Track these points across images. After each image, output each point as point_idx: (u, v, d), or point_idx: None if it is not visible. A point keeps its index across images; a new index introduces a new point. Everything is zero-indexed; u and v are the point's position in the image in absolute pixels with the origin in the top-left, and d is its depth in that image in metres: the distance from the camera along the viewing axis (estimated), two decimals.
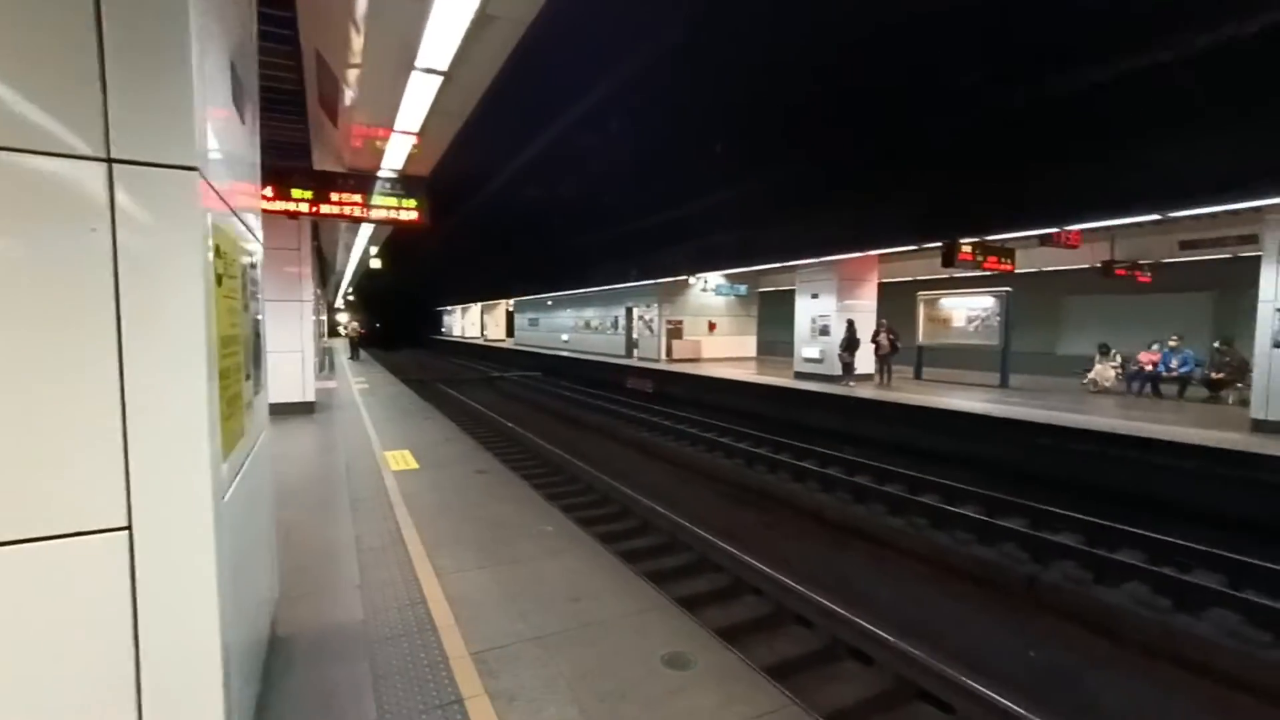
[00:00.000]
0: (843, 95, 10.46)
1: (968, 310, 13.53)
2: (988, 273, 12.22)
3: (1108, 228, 10.96)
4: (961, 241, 10.98)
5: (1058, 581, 5.57)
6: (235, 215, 2.11)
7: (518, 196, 19.49)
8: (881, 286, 15.44)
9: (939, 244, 11.03)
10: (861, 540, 6.79)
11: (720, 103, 12.36)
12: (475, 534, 4.57)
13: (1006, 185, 9.73)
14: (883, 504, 7.79)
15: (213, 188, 1.77)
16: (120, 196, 1.53)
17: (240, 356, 2.09)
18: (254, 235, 2.61)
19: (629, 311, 23.51)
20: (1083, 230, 10.95)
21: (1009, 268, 12.05)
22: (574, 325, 29.00)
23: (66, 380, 1.49)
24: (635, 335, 23.12)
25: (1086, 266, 13.99)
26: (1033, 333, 17.69)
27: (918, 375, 14.78)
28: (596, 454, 10.83)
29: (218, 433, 1.72)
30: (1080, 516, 6.75)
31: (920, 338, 14.75)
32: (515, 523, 4.86)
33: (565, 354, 27.05)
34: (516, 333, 39.85)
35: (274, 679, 2.60)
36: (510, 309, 41.92)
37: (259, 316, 2.63)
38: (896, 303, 16.20)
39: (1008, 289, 12.74)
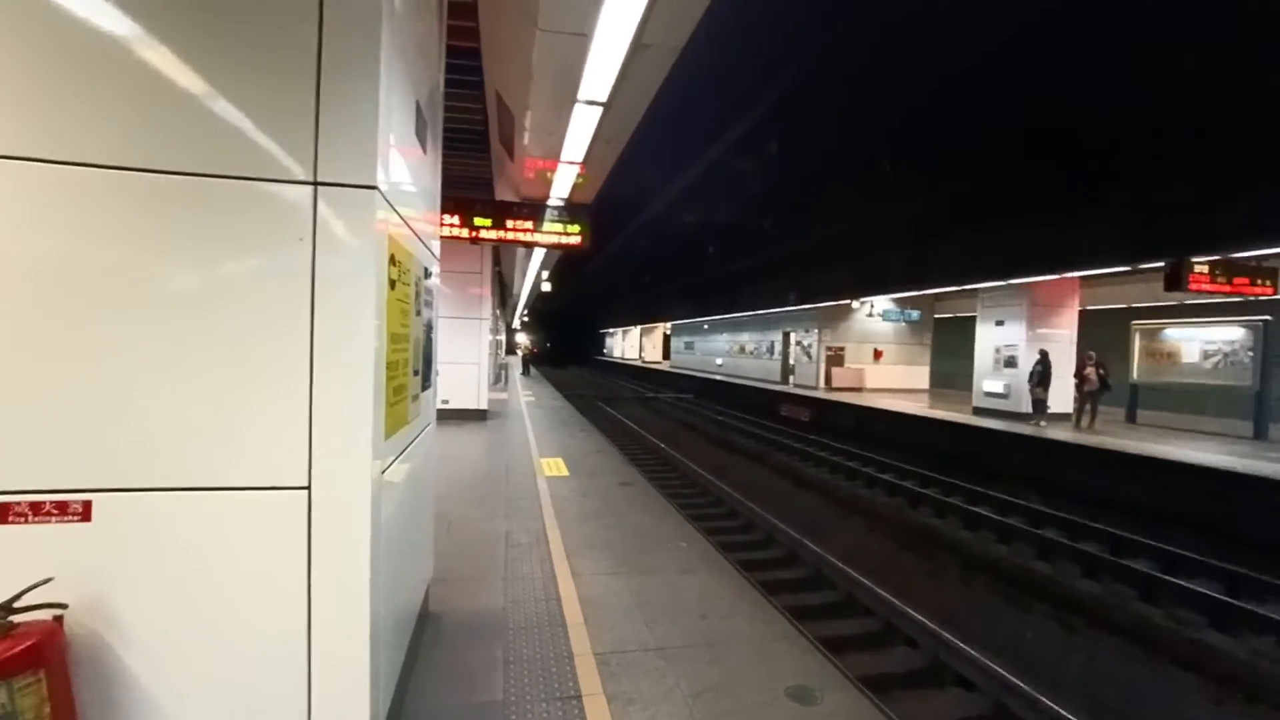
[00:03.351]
0: (1034, 94, 9.33)
1: (1204, 344, 11.12)
2: (1235, 298, 9.98)
3: None
4: (1195, 260, 9.11)
5: None
6: (411, 230, 2.44)
7: (676, 221, 20.08)
8: (1083, 314, 13.34)
9: (1160, 264, 9.25)
10: (1046, 603, 5.83)
11: (890, 115, 11.69)
12: (613, 541, 4.71)
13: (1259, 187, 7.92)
14: (1076, 564, 6.62)
15: (390, 204, 2.07)
16: (321, 212, 1.85)
17: (408, 353, 2.39)
18: (430, 251, 2.98)
19: (785, 336, 22.88)
20: None
21: (1267, 290, 9.73)
22: (728, 349, 28.90)
23: (275, 359, 1.82)
24: (792, 361, 22.40)
25: None
26: None
27: (1130, 418, 12.43)
28: (744, 479, 10.61)
29: (381, 413, 1.98)
30: None
31: (1135, 374, 12.43)
32: (653, 535, 4.92)
33: (719, 378, 27.00)
34: (672, 355, 40.69)
35: (422, 649, 2.89)
36: (667, 332, 43.00)
37: (430, 322, 2.98)
38: (1101, 333, 13.86)
39: (1266, 317, 10.26)
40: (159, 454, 1.75)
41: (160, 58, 1.73)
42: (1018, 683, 4.01)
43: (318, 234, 1.85)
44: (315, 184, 1.85)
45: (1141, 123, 9.20)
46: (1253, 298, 9.91)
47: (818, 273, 18.44)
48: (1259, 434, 10.35)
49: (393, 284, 2.12)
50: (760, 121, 11.57)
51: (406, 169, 2.43)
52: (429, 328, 2.94)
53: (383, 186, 1.95)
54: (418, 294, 2.59)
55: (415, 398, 2.62)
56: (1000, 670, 4.15)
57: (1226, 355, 10.69)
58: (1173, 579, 5.96)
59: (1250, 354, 10.32)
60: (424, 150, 2.82)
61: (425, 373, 2.88)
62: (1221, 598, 5.56)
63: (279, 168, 1.82)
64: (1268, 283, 9.71)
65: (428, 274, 2.90)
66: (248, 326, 1.80)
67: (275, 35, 1.82)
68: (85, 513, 1.69)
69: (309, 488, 1.83)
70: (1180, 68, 8.11)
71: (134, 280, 1.73)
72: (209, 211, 1.78)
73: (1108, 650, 4.98)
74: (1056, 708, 3.74)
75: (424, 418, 2.91)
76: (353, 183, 1.88)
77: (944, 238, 13.71)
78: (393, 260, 2.11)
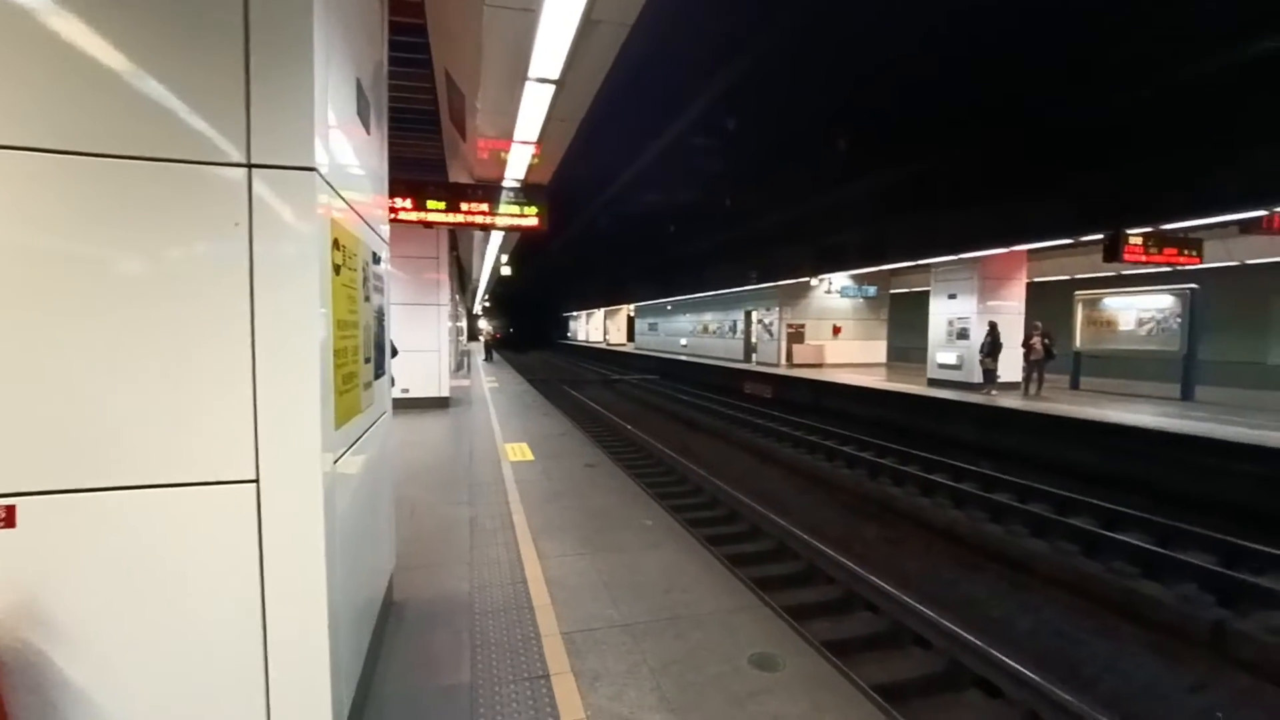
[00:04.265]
0: (980, 74, 9.54)
1: (1139, 311, 11.71)
2: (1165, 268, 10.51)
3: None
4: (1130, 233, 9.54)
5: (1253, 632, 4.64)
6: (356, 213, 2.36)
7: (636, 202, 19.93)
8: (1030, 286, 13.87)
9: (1100, 237, 9.66)
10: (998, 563, 6.12)
11: (845, 93, 11.77)
12: (579, 522, 4.73)
13: (1188, 164, 8.32)
14: (1024, 524, 6.96)
15: (331, 186, 1.99)
16: (256, 195, 1.78)
17: (357, 340, 2.33)
18: (378, 235, 2.90)
19: (747, 315, 23.14)
20: None
21: (1193, 261, 10.28)
22: (692, 329, 29.10)
23: (212, 349, 1.75)
24: (754, 339, 22.70)
25: None
26: (1231, 338, 15.00)
27: (1074, 385, 13.06)
28: (709, 457, 10.76)
29: (330, 402, 1.93)
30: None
31: (1078, 343, 13.03)
32: (618, 514, 4.96)
33: (683, 358, 27.19)
34: (636, 337, 40.74)
35: (386, 637, 2.86)
36: (631, 314, 42.96)
37: (381, 309, 2.91)
38: (1048, 304, 14.47)
39: (1192, 285, 10.86)
40: (90, 453, 1.67)
41: (76, 31, 1.62)
42: (971, 639, 4.21)
43: (254, 218, 1.77)
44: (249, 166, 1.77)
45: (1087, 106, 9.52)
46: (1181, 267, 10.45)
47: (779, 251, 18.63)
48: (1185, 395, 11.00)
49: (337, 269, 2.06)
50: (719, 100, 11.53)
51: (349, 150, 2.35)
52: (380, 314, 2.87)
53: (322, 168, 1.88)
54: (366, 279, 2.52)
55: (368, 385, 2.56)
56: (955, 628, 4.35)
57: (1159, 322, 11.30)
58: (1110, 533, 6.33)
59: (1179, 320, 10.92)
60: (367, 131, 2.72)
61: (378, 360, 2.81)
62: (1152, 548, 5.93)
63: (209, 149, 1.73)
64: (1194, 253, 10.25)
65: (377, 259, 2.82)
66: (183, 316, 1.72)
67: (196, 4, 1.71)
68: (9, 518, 1.60)
69: (257, 481, 1.78)
70: (1122, 55, 8.41)
71: (59, 270, 1.63)
72: (137, 196, 1.69)
73: (1053, 604, 5.27)
74: (1007, 660, 3.95)
75: (378, 406, 2.85)
76: (289, 164, 1.80)
77: (900, 215, 14.01)
78: (336, 244, 2.05)
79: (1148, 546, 5.99)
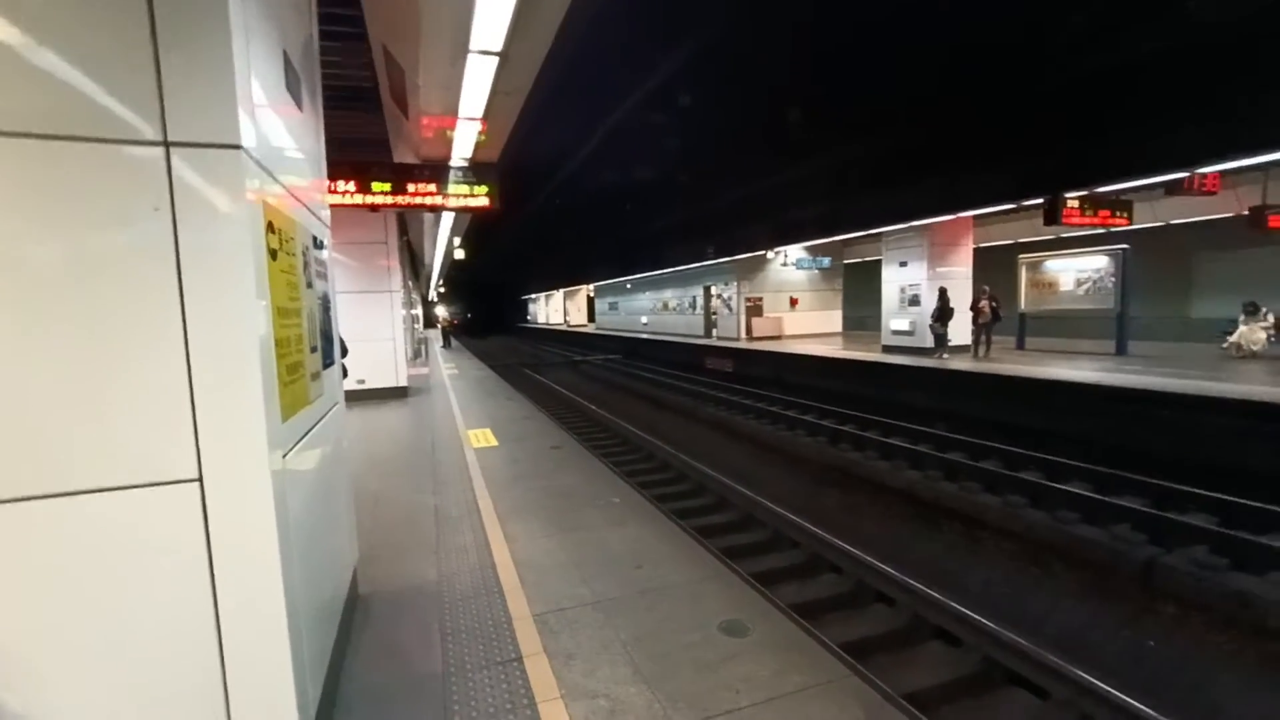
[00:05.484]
0: (922, 46, 9.68)
1: (1077, 272, 12.25)
2: (1099, 230, 10.99)
3: (1260, 167, 9.59)
4: (1067, 196, 9.91)
5: (1181, 566, 4.97)
6: (291, 194, 2.24)
7: (591, 181, 19.65)
8: (978, 252, 14.32)
9: (1040, 201, 10.02)
10: (953, 520, 6.38)
11: (796, 67, 11.79)
12: (545, 504, 4.71)
13: (1120, 130, 8.66)
14: (977, 481, 7.26)
15: (262, 167, 1.88)
16: (177, 176, 1.65)
17: (300, 328, 2.23)
18: (318, 218, 2.76)
19: (706, 291, 23.26)
20: (1223, 173, 9.62)
21: (1123, 222, 10.77)
22: (652, 307, 29.10)
23: (140, 343, 1.64)
24: (714, 314, 22.86)
25: (1230, 216, 12.32)
26: (1157, 295, 15.86)
27: (1020, 345, 13.62)
28: (674, 433, 10.85)
29: (275, 394, 1.84)
30: (1212, 494, 6.00)
31: (1023, 304, 13.57)
32: (584, 495, 4.96)
33: (645, 336, 27.21)
34: (597, 317, 40.53)
35: (352, 632, 2.80)
36: (591, 294, 42.65)
37: (326, 295, 2.79)
38: (995, 268, 15.00)
39: (1124, 246, 11.41)
40: (9, 461, 1.54)
41: None
42: (931, 593, 4.39)
43: (176, 201, 1.65)
44: (166, 144, 1.64)
45: (1025, 77, 9.79)
46: (1113, 228, 10.96)
47: (735, 225, 18.71)
48: (1120, 350, 11.62)
49: (274, 254, 1.95)
50: (673, 75, 11.39)
51: (279, 127, 2.21)
52: (325, 300, 2.75)
53: (249, 146, 1.76)
54: (307, 264, 2.40)
55: (315, 376, 2.46)
56: (915, 583, 4.52)
57: (1095, 282, 11.85)
58: (1054, 484, 6.67)
59: (1113, 280, 11.48)
60: (299, 108, 2.57)
61: (325, 349, 2.70)
62: (1090, 495, 6.28)
63: (117, 126, 1.59)
64: (1124, 214, 10.73)
65: (318, 243, 2.69)
66: (105, 307, 1.60)
67: None
68: None
69: (200, 480, 1.69)
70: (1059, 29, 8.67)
71: None
72: (43, 177, 1.55)
73: (1004, 554, 5.54)
74: (964, 609, 4.13)
75: (329, 396, 2.74)
76: (211, 142, 1.68)
77: (852, 187, 14.21)
78: (271, 228, 1.93)
79: (1086, 494, 6.32)
